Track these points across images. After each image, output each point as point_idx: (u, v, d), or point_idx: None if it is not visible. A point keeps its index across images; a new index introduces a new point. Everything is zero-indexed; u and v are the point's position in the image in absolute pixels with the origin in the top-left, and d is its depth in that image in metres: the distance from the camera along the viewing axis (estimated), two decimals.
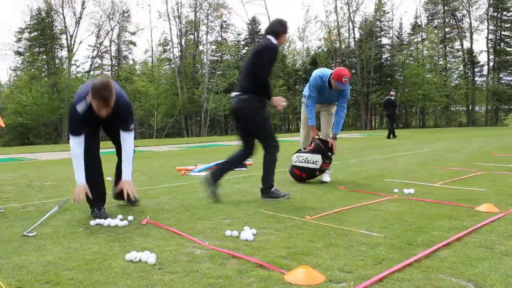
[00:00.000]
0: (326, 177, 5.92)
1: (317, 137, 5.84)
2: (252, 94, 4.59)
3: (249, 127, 4.71)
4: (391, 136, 18.09)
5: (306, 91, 6.12)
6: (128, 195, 3.87)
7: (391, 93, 19.17)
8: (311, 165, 5.68)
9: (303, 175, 5.80)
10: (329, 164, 5.83)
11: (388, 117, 19.14)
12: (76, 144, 3.74)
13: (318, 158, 5.64)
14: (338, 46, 46.45)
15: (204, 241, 3.06)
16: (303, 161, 5.74)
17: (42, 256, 2.79)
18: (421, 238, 3.08)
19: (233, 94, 4.77)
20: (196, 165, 7.76)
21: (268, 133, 4.72)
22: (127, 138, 3.90)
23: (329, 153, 5.74)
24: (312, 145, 5.79)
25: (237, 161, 4.93)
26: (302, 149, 5.92)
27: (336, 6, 45.84)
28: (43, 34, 42.30)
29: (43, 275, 2.44)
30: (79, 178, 3.75)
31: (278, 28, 4.66)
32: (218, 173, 4.73)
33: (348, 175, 6.57)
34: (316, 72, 5.81)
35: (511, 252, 2.75)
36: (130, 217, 3.75)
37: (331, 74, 5.60)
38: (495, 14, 46.46)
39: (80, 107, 3.64)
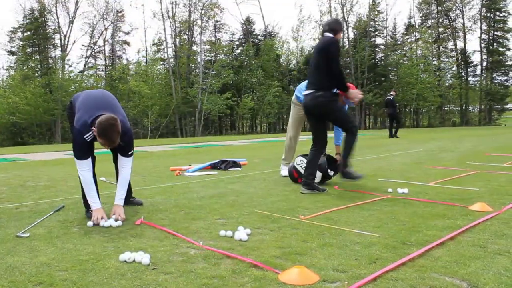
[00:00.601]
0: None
1: (325, 154, 5.73)
2: (325, 90, 4.92)
3: (326, 118, 5.16)
4: (395, 135, 18.16)
5: (298, 90, 6.17)
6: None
7: (391, 92, 19.27)
8: None
9: (299, 180, 5.78)
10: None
11: (389, 116, 19.23)
12: (85, 168, 3.72)
13: (318, 175, 5.55)
14: None
15: (198, 241, 3.06)
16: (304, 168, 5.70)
17: (35, 257, 2.78)
18: (415, 238, 3.09)
19: (306, 92, 5.11)
20: (190, 165, 7.75)
21: (345, 118, 5.17)
22: (125, 163, 3.91)
23: (331, 173, 5.67)
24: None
25: (316, 159, 5.22)
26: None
27: (330, 6, 45.99)
28: (36, 34, 42.06)
29: (36, 276, 2.43)
30: (94, 202, 3.73)
31: (336, 26, 5.04)
32: (312, 170, 5.12)
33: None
34: None
35: (504, 251, 2.76)
36: (119, 222, 3.74)
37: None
38: (488, 14, 46.70)
39: (89, 138, 3.62)
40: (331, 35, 4.95)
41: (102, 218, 3.61)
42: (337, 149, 5.91)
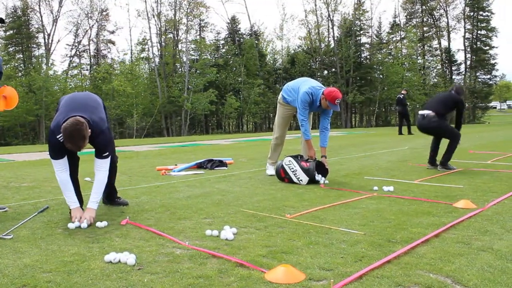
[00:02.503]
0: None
1: (315, 159, 5.78)
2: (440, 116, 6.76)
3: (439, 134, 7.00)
4: (409, 132, 18.63)
5: (285, 91, 6.17)
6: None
7: (402, 92, 19.82)
8: (294, 178, 5.65)
9: (285, 179, 5.79)
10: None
11: (399, 114, 19.85)
12: (60, 168, 3.70)
13: (305, 179, 5.56)
14: (317, 44, 46.76)
15: (184, 241, 3.04)
16: (292, 170, 5.69)
17: (19, 259, 2.74)
18: (400, 235, 3.11)
19: (423, 112, 6.90)
20: (176, 165, 7.72)
21: (450, 131, 6.84)
22: (100, 166, 3.82)
23: (318, 177, 5.66)
24: (308, 164, 5.65)
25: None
26: (299, 157, 5.82)
27: (315, 5, 46.17)
28: (19, 33, 41.56)
29: (20, 278, 2.40)
30: (72, 201, 3.71)
31: (461, 92, 7.04)
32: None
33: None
34: (304, 89, 5.81)
35: (487, 247, 2.79)
36: (104, 223, 3.71)
37: (322, 93, 5.70)
38: (472, 13, 47.23)
39: (61, 138, 3.53)
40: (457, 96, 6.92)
41: (80, 217, 3.58)
42: (322, 151, 5.92)
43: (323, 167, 5.78)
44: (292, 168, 5.69)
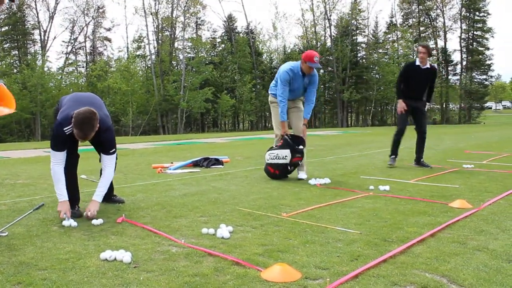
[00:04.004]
0: (302, 174, 5.93)
1: (286, 133, 5.89)
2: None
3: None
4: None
5: (272, 89, 6.16)
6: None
7: None
8: (281, 161, 5.72)
9: (276, 172, 5.82)
10: (301, 158, 5.84)
11: None
12: (57, 160, 3.71)
13: (287, 153, 5.68)
14: (314, 43, 46.78)
15: (180, 239, 3.04)
16: (274, 157, 5.79)
17: (14, 256, 2.73)
18: (396, 234, 3.12)
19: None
20: (172, 163, 7.70)
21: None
22: (107, 162, 3.93)
23: (299, 147, 5.76)
24: (281, 141, 5.84)
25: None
26: (274, 146, 5.96)
27: (312, 4, 46.18)
28: (14, 29, 41.37)
29: (15, 275, 2.39)
30: (62, 194, 3.71)
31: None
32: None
33: (324, 172, 6.61)
34: (284, 67, 5.87)
35: (482, 247, 2.80)
36: (100, 220, 3.70)
37: (301, 61, 5.76)
38: (468, 14, 47.34)
39: (68, 131, 3.61)
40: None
41: (65, 213, 3.59)
42: (304, 121, 6.05)
43: (297, 137, 5.87)
44: (273, 156, 5.80)
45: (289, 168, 5.81)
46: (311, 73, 5.81)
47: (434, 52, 48.78)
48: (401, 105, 6.95)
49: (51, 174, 3.76)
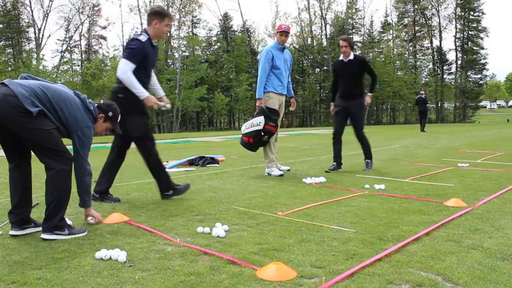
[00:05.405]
0: (282, 167, 6.39)
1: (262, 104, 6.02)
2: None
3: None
4: (423, 130, 20.00)
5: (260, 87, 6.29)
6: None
7: (421, 92, 21.60)
8: (255, 128, 5.83)
9: (250, 140, 5.91)
10: (274, 128, 5.93)
11: (420, 113, 21.28)
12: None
13: (261, 119, 5.80)
14: (310, 43, 46.83)
15: (175, 238, 3.04)
16: (249, 126, 5.93)
17: (8, 255, 2.71)
18: (392, 233, 3.13)
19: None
20: (167, 162, 7.69)
21: None
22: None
23: (274, 116, 5.89)
24: (257, 110, 6.02)
25: None
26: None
27: (308, 3, 46.22)
28: (9, 27, 41.15)
29: (9, 275, 2.38)
30: (143, 91, 4.18)
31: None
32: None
33: (320, 171, 6.62)
34: (265, 49, 6.19)
35: (477, 246, 2.81)
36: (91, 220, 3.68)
37: (275, 36, 6.22)
38: (463, 14, 47.50)
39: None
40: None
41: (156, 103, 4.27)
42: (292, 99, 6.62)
43: (274, 110, 5.99)
44: (248, 125, 5.96)
45: (262, 135, 5.85)
46: (285, 41, 6.16)
47: (429, 51, 48.97)
48: (331, 108, 6.89)
49: (128, 78, 4.15)
